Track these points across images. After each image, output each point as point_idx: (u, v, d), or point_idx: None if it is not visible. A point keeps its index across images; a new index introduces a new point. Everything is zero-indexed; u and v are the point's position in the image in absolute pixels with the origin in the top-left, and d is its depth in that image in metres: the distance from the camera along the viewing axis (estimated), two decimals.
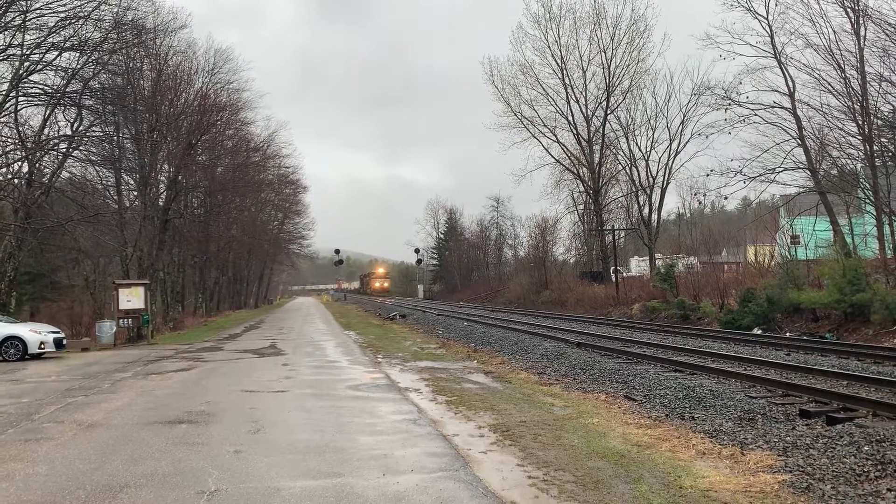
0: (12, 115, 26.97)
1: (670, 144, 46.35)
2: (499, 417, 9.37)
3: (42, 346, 20.29)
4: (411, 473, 6.60)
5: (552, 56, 51.49)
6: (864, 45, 25.57)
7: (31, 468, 7.07)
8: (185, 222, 43.16)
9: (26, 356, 19.82)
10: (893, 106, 25.46)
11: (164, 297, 38.06)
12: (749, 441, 7.73)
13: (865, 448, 7.14)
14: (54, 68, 26.93)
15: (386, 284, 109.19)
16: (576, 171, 54.54)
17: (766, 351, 17.09)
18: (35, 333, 20.47)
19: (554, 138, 53.29)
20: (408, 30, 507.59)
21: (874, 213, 26.22)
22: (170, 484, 6.36)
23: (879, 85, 25.01)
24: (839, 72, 26.44)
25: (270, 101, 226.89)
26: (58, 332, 21.78)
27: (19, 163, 28.38)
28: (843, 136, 27.39)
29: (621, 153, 51.25)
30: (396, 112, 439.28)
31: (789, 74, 30.02)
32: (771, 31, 30.52)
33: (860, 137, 26.20)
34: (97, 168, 32.77)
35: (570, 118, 52.16)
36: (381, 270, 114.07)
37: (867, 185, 26.19)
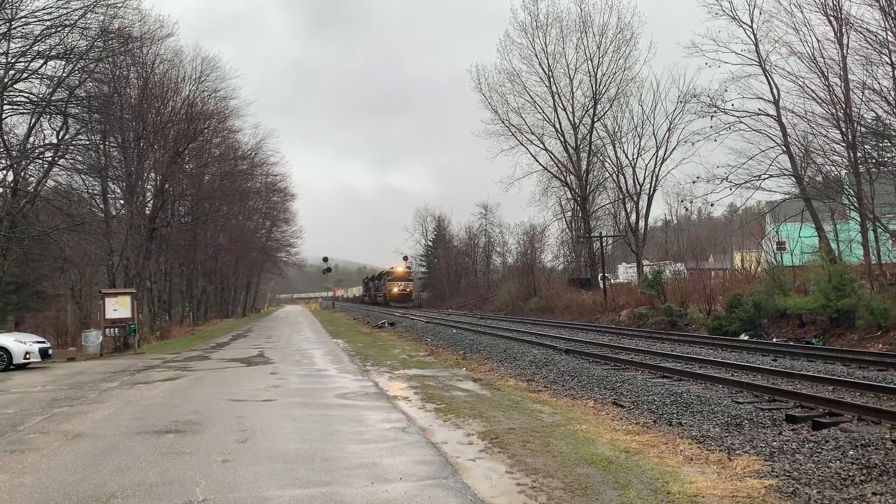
0: None
1: (657, 151, 46.69)
2: (487, 425, 9.38)
3: (27, 356, 20.11)
4: (400, 482, 6.59)
5: (539, 64, 51.88)
6: (847, 53, 25.82)
7: (17, 479, 7.01)
8: (173, 231, 42.97)
9: (11, 366, 19.63)
10: (876, 113, 25.72)
11: (151, 306, 37.80)
12: (736, 446, 7.78)
13: (851, 452, 7.19)
14: (40, 76, 26.82)
15: (408, 289, 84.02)
16: (563, 179, 54.81)
17: (752, 356, 17.18)
18: (20, 343, 20.29)
19: (541, 146, 53.62)
20: (398, 39, 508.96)
21: (858, 220, 26.45)
22: (157, 494, 6.32)
23: (862, 93, 25.25)
24: (823, 80, 26.70)
25: (262, 111, 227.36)
26: (43, 342, 21.60)
27: (4, 171, 28.18)
28: (828, 143, 27.64)
29: (608, 160, 51.63)
30: (386, 120, 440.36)
31: (774, 82, 30.30)
32: (756, 39, 30.82)
33: (844, 144, 26.44)
34: (83, 177, 32.60)
35: (558, 126, 52.52)
36: (400, 270, 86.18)
37: (851, 191, 26.41)
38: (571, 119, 52.14)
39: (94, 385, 15.33)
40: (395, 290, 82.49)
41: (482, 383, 13.83)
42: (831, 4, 26.26)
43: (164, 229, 39.91)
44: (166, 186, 39.05)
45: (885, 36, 23.73)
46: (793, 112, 29.23)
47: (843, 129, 26.19)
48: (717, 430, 8.67)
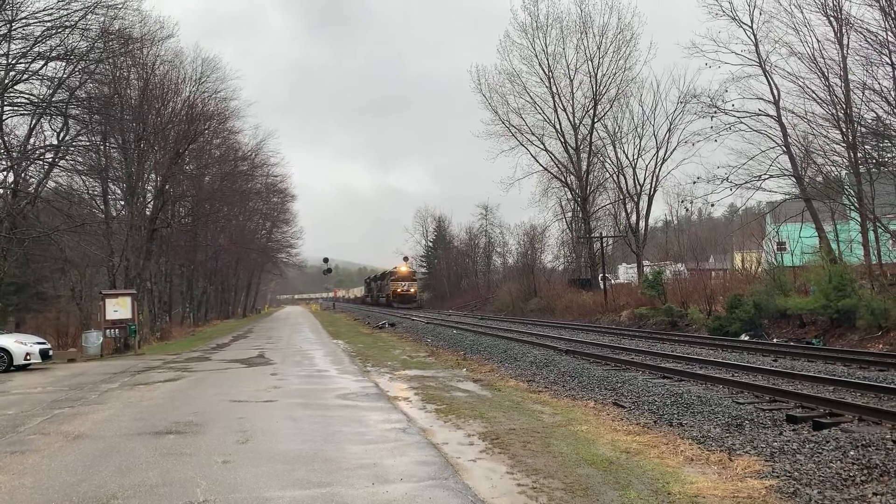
0: None
1: (657, 152, 46.66)
2: (488, 425, 9.38)
3: (28, 357, 20.10)
4: (401, 482, 6.59)
5: (539, 65, 51.90)
6: (847, 53, 25.80)
7: (17, 480, 7.01)
8: (173, 232, 42.95)
9: (12, 367, 19.62)
10: (877, 114, 25.70)
11: (152, 306, 37.80)
12: (737, 447, 7.77)
13: (851, 453, 7.19)
14: (40, 78, 26.82)
15: (412, 289, 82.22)
16: (563, 179, 54.80)
17: (753, 357, 17.19)
18: (21, 345, 20.27)
19: (542, 146, 53.64)
20: (398, 40, 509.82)
21: (859, 220, 26.44)
22: (158, 495, 6.32)
23: (863, 93, 25.22)
24: (823, 80, 26.68)
25: (262, 112, 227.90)
26: (44, 343, 21.58)
27: (4, 172, 28.20)
28: (828, 144, 27.63)
29: (608, 161, 51.62)
30: (387, 121, 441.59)
31: (774, 83, 30.29)
32: (756, 39, 30.81)
33: (844, 145, 26.43)
34: (84, 178, 32.63)
35: (558, 126, 52.53)
36: (404, 269, 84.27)
37: (852, 191, 26.40)
38: (572, 119, 52.20)
39: (94, 386, 15.33)
40: (399, 290, 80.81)
41: (483, 384, 13.83)
42: (831, 5, 26.29)
43: (164, 230, 39.89)
44: (167, 187, 39.05)
45: (885, 36, 23.73)
46: (793, 112, 29.26)
47: (844, 130, 26.19)
48: (717, 431, 8.67)
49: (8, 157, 27.55)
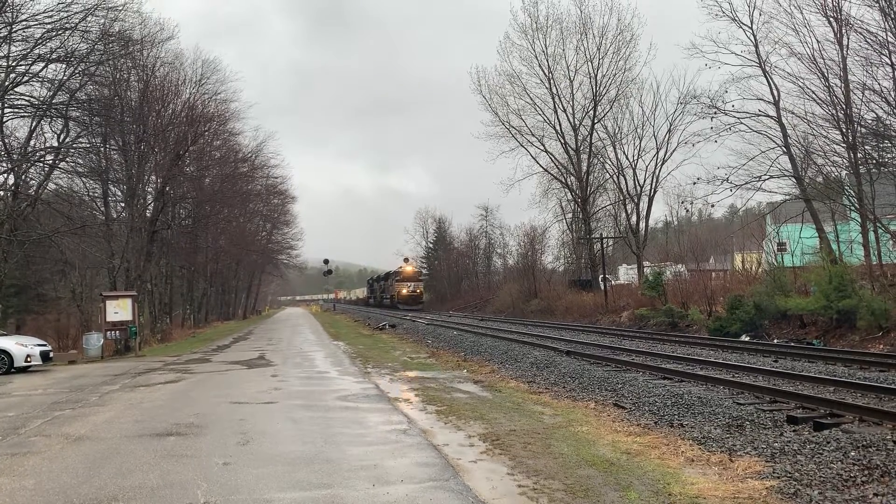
0: None
1: (657, 153, 46.62)
2: (489, 426, 9.38)
3: (28, 359, 20.11)
4: (401, 484, 6.59)
5: (539, 66, 51.84)
6: (847, 54, 25.84)
7: (18, 482, 7.01)
8: (173, 233, 42.94)
9: (12, 370, 19.62)
10: (877, 114, 25.72)
11: (152, 308, 37.81)
12: (737, 447, 7.77)
13: (852, 453, 7.19)
14: (41, 80, 26.83)
15: (418, 290, 78.48)
16: (563, 180, 54.76)
17: (753, 357, 17.18)
18: (21, 346, 20.28)
19: (542, 147, 53.58)
20: (398, 42, 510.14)
21: (859, 220, 26.45)
22: (158, 497, 6.33)
23: (863, 93, 25.25)
24: (823, 80, 26.71)
25: (262, 114, 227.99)
26: (44, 345, 21.59)
27: (5, 175, 28.20)
28: (828, 144, 27.67)
29: (609, 162, 51.57)
30: (387, 123, 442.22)
31: (774, 83, 30.31)
32: (755, 40, 30.82)
33: (844, 145, 26.45)
34: (84, 179, 32.61)
35: (558, 127, 52.47)
36: (409, 269, 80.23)
37: (852, 192, 26.41)
38: (572, 121, 52.16)
39: (95, 388, 15.33)
40: (405, 291, 77.29)
41: (483, 385, 13.83)
42: (831, 5, 26.32)
43: (164, 232, 39.86)
44: (167, 189, 39.03)
45: (884, 37, 23.79)
46: (793, 113, 29.28)
47: (844, 130, 26.20)
48: (718, 432, 8.67)
49: (8, 160, 27.55)
